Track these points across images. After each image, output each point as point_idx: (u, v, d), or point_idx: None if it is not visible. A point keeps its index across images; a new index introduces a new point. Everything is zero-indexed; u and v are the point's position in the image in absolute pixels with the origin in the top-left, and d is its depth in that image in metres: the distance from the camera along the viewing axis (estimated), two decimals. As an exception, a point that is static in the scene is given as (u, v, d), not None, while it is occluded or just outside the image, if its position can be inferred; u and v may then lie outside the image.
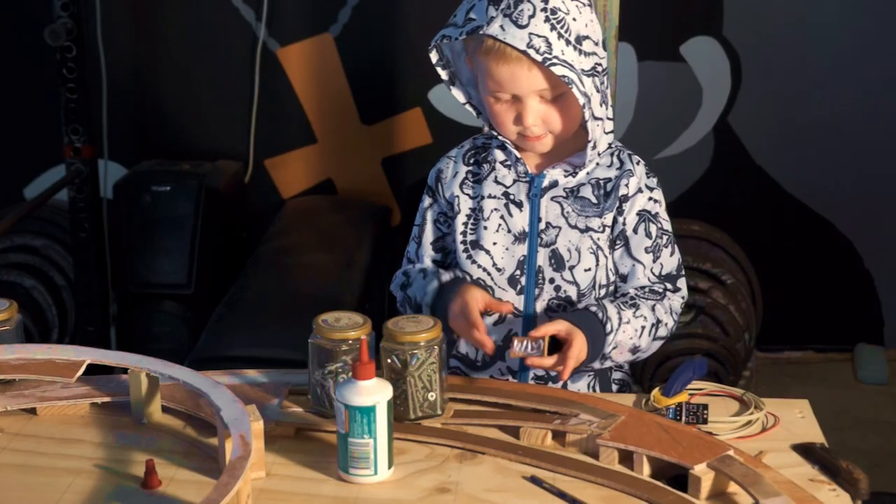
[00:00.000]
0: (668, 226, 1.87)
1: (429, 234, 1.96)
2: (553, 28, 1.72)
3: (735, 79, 3.68)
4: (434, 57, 1.86)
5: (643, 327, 1.80)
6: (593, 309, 1.79)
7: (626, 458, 1.62)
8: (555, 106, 1.78)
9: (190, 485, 1.57)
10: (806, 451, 1.66)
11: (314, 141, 3.79)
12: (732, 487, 1.55)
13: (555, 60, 1.72)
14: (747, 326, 3.41)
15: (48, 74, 3.44)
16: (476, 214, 1.90)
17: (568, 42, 1.73)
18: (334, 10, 3.67)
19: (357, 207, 3.69)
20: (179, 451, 1.67)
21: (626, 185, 1.83)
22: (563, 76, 1.72)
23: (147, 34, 3.74)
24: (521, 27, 1.72)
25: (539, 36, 1.72)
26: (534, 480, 1.60)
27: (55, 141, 3.44)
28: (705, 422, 1.72)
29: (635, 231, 1.84)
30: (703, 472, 1.54)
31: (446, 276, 1.89)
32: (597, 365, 1.81)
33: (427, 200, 1.96)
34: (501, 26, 1.72)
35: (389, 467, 1.60)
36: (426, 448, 1.68)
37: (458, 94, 1.90)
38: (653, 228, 1.84)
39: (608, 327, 1.77)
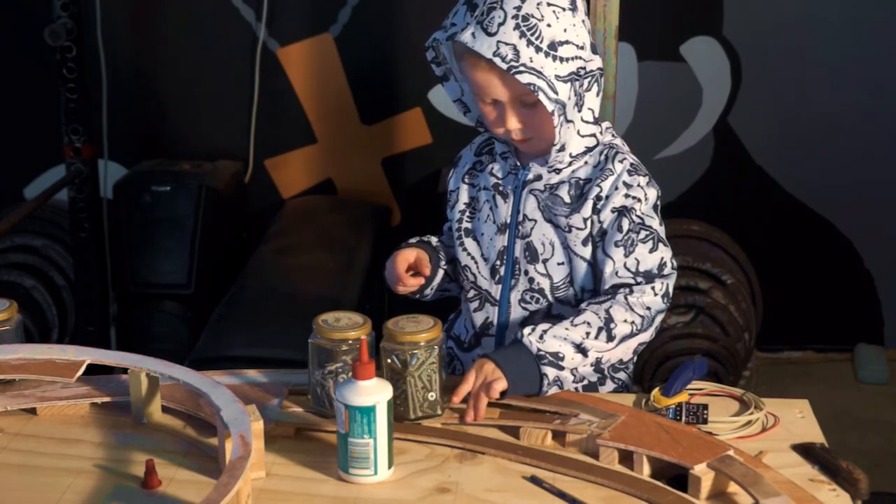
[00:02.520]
0: (651, 222, 1.83)
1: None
2: (523, 35, 1.73)
3: (735, 79, 3.68)
4: (430, 55, 1.88)
5: (588, 332, 1.76)
6: (515, 333, 1.80)
7: (626, 458, 1.62)
8: (536, 110, 1.78)
9: (190, 485, 1.57)
10: (806, 451, 1.66)
11: (314, 141, 3.79)
12: (732, 487, 1.55)
13: (521, 68, 1.72)
14: (747, 326, 3.41)
15: (48, 74, 3.44)
16: (473, 204, 1.95)
17: (538, 49, 1.73)
18: (334, 10, 3.68)
19: (357, 207, 3.69)
20: (179, 451, 1.67)
21: (600, 185, 1.83)
22: (530, 84, 1.73)
23: (147, 34, 3.74)
24: (491, 35, 1.73)
25: (507, 44, 1.73)
26: (534, 480, 1.60)
27: (55, 141, 3.44)
28: (705, 422, 1.72)
29: (610, 227, 1.84)
30: (703, 472, 1.54)
31: (413, 240, 1.99)
32: (551, 372, 1.75)
33: (450, 184, 2.02)
34: (473, 34, 1.75)
35: (389, 467, 1.60)
36: (426, 448, 1.68)
37: (450, 91, 1.92)
38: (625, 223, 1.82)
39: (520, 334, 1.76)
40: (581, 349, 1.77)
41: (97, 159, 3.52)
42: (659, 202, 1.87)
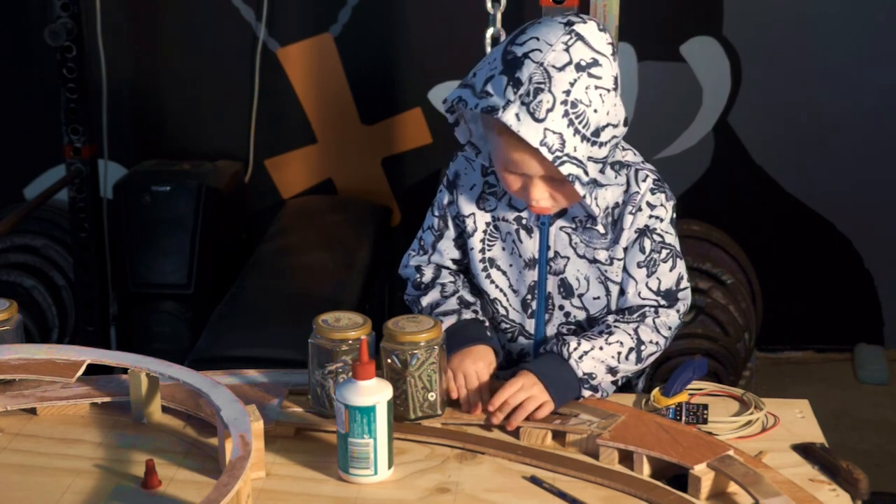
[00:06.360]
0: (670, 239, 1.83)
1: (451, 230, 1.93)
2: (570, 123, 1.66)
3: (735, 79, 3.68)
4: (445, 106, 1.80)
5: (619, 353, 1.79)
6: (550, 347, 1.80)
7: (626, 458, 1.63)
8: (564, 184, 1.73)
9: (190, 485, 1.57)
10: (806, 451, 1.66)
11: (314, 141, 3.79)
12: (732, 487, 1.55)
13: (565, 159, 1.67)
14: (747, 326, 3.41)
15: (48, 74, 3.44)
16: (493, 231, 1.89)
17: (584, 138, 1.67)
18: (334, 10, 3.67)
19: (357, 207, 3.69)
20: (179, 451, 1.67)
21: (632, 213, 1.81)
22: (570, 174, 1.68)
23: (147, 34, 3.74)
24: (538, 121, 1.65)
25: (554, 132, 1.65)
26: (534, 480, 1.60)
27: (55, 141, 3.44)
28: (705, 422, 1.72)
29: (632, 245, 1.83)
30: (703, 472, 1.55)
31: (467, 314, 1.87)
32: (587, 394, 1.78)
33: (446, 197, 1.93)
34: (517, 115, 1.65)
35: (389, 467, 1.60)
36: (426, 448, 1.68)
37: (461, 135, 1.86)
38: (647, 243, 1.82)
39: (565, 353, 1.77)
40: (612, 370, 1.80)
41: (97, 159, 3.52)
42: (675, 214, 1.86)
